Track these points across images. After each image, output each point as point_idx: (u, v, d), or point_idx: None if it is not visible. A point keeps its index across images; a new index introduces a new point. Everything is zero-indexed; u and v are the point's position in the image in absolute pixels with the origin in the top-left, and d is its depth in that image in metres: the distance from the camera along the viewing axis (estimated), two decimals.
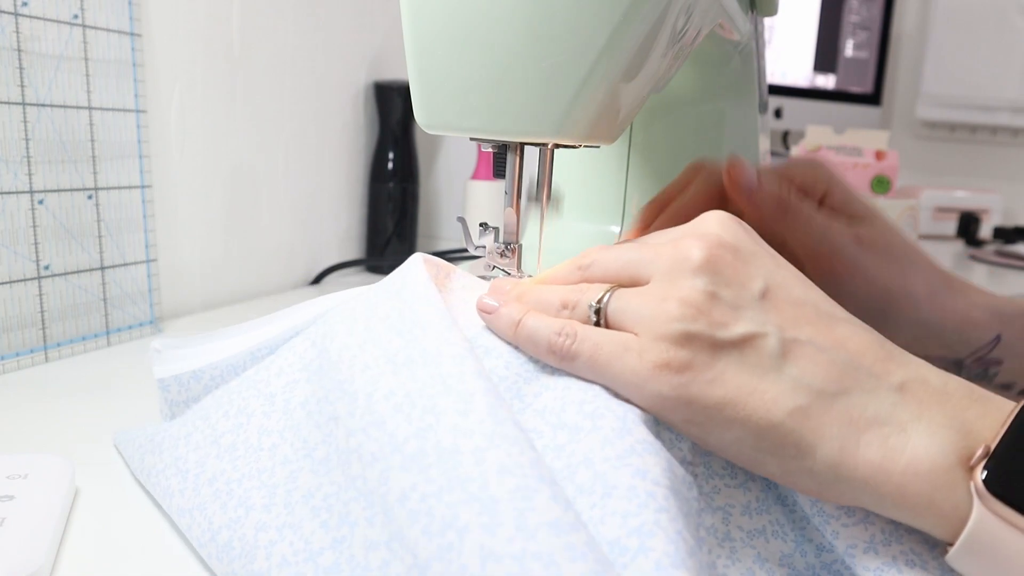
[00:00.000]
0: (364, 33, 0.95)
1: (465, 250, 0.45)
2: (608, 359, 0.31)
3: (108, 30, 0.61)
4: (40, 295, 0.57)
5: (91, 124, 0.60)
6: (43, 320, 0.58)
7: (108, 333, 0.62)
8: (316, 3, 0.87)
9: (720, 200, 0.46)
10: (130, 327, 0.64)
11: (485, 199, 1.02)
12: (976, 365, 0.46)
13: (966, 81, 1.61)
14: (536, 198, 0.43)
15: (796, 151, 1.21)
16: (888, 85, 1.72)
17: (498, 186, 0.98)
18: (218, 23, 0.74)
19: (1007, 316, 0.47)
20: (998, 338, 0.46)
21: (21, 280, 0.56)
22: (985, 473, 0.26)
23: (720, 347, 0.30)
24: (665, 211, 0.47)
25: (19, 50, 0.55)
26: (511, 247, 0.43)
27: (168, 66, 0.69)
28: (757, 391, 0.29)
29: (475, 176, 1.04)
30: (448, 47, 0.36)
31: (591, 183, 0.61)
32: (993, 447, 0.27)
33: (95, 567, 0.33)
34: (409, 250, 1.00)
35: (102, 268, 0.62)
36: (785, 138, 1.69)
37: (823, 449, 0.28)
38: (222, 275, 0.78)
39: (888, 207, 1.00)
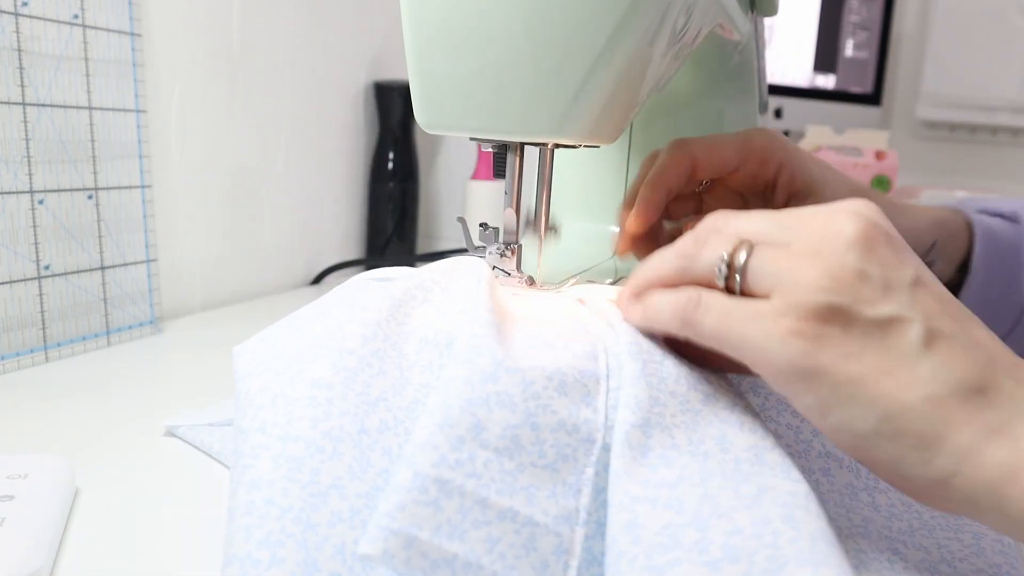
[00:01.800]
0: (364, 33, 0.95)
1: (465, 250, 0.45)
2: (736, 322, 0.29)
3: (108, 30, 0.61)
4: (40, 295, 0.57)
5: (91, 124, 0.60)
6: (43, 320, 0.58)
7: (108, 333, 0.62)
8: (316, 3, 0.87)
9: (690, 172, 0.47)
10: (130, 327, 0.64)
11: (485, 199, 1.02)
12: None
13: (966, 81, 1.61)
14: (535, 216, 0.43)
15: None
16: (888, 85, 1.72)
17: (498, 186, 0.98)
18: (218, 23, 0.74)
19: (941, 222, 0.53)
20: (935, 243, 0.51)
21: (21, 280, 0.56)
22: None
23: (862, 325, 0.28)
24: (642, 187, 0.47)
25: (19, 50, 0.55)
26: (511, 247, 0.43)
27: (168, 66, 0.69)
28: (893, 373, 0.28)
29: (475, 176, 1.04)
30: (448, 47, 0.36)
31: (591, 183, 0.61)
32: None
33: (95, 567, 0.33)
34: (409, 250, 1.00)
35: (102, 268, 0.62)
36: None
37: (950, 442, 0.27)
38: (222, 275, 0.78)
39: None
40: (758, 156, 0.48)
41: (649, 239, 0.48)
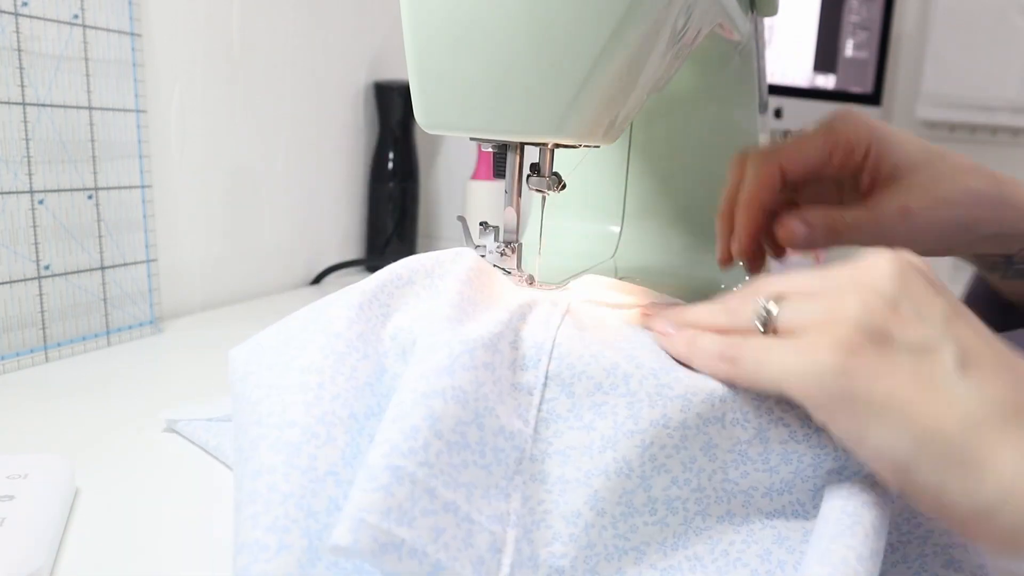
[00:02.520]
0: (364, 33, 0.95)
1: None
2: (773, 354, 0.30)
3: (108, 30, 0.61)
4: (40, 295, 0.57)
5: (91, 124, 0.60)
6: (43, 320, 0.58)
7: (108, 333, 0.62)
8: (316, 3, 0.87)
9: (779, 182, 0.46)
10: (130, 327, 0.64)
11: (485, 199, 1.02)
12: (1021, 256, 0.49)
13: (966, 81, 1.61)
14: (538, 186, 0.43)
15: None
16: (888, 85, 1.72)
17: (498, 186, 0.98)
18: (218, 23, 0.74)
19: None
20: None
21: (21, 280, 0.56)
22: None
23: (896, 345, 0.28)
24: (737, 210, 0.47)
25: (19, 50, 0.55)
26: (511, 246, 0.43)
27: (168, 66, 0.69)
28: (928, 396, 0.27)
29: (475, 176, 1.04)
30: (448, 47, 0.36)
31: (591, 183, 0.61)
32: None
33: (95, 567, 0.33)
34: (409, 250, 1.00)
35: (102, 268, 0.62)
36: (785, 138, 1.69)
37: (995, 469, 0.26)
38: (222, 275, 0.78)
39: None
40: (843, 146, 0.46)
41: (758, 252, 0.49)
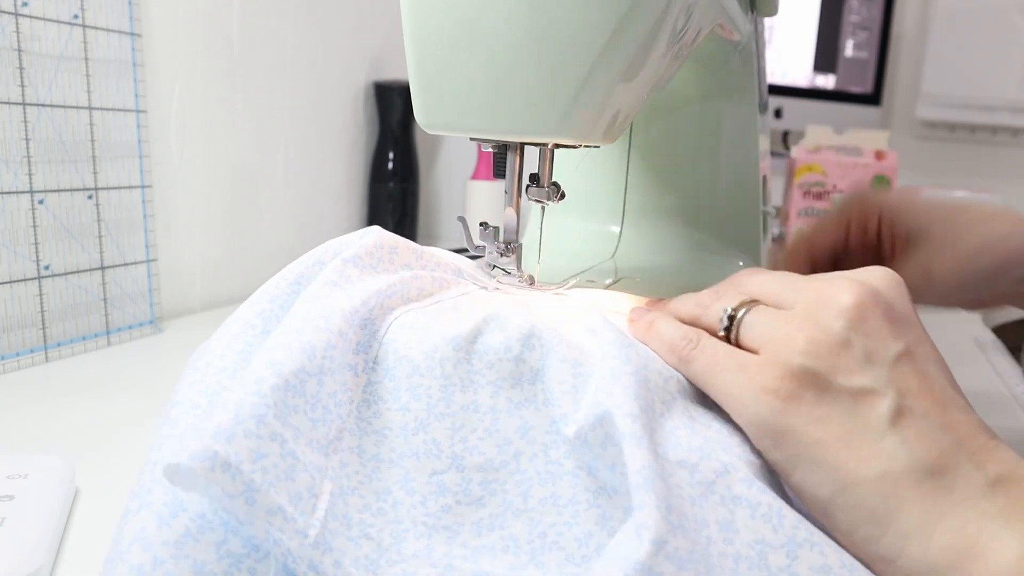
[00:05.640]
0: (364, 33, 0.95)
1: (465, 249, 0.45)
2: (721, 371, 0.31)
3: (108, 30, 0.61)
4: (40, 295, 0.57)
5: (91, 124, 0.60)
6: (43, 320, 0.58)
7: (108, 333, 0.62)
8: (316, 3, 0.87)
9: (807, 268, 0.48)
10: (130, 327, 0.64)
11: (485, 199, 1.02)
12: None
13: (966, 81, 1.61)
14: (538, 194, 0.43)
15: (796, 151, 1.21)
16: (888, 85, 1.72)
17: (498, 186, 0.98)
18: (218, 23, 0.74)
19: None
20: None
21: (21, 280, 0.56)
22: None
23: (835, 393, 0.29)
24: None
25: (19, 50, 0.55)
26: (511, 247, 0.43)
27: (168, 66, 0.69)
28: (855, 445, 0.28)
29: (475, 176, 1.04)
30: (448, 47, 0.36)
31: (591, 183, 0.61)
32: None
33: (95, 567, 0.33)
34: None
35: (102, 268, 0.62)
36: (785, 138, 1.69)
37: (899, 522, 0.27)
38: (222, 275, 0.78)
39: None
40: (857, 219, 0.48)
41: None
